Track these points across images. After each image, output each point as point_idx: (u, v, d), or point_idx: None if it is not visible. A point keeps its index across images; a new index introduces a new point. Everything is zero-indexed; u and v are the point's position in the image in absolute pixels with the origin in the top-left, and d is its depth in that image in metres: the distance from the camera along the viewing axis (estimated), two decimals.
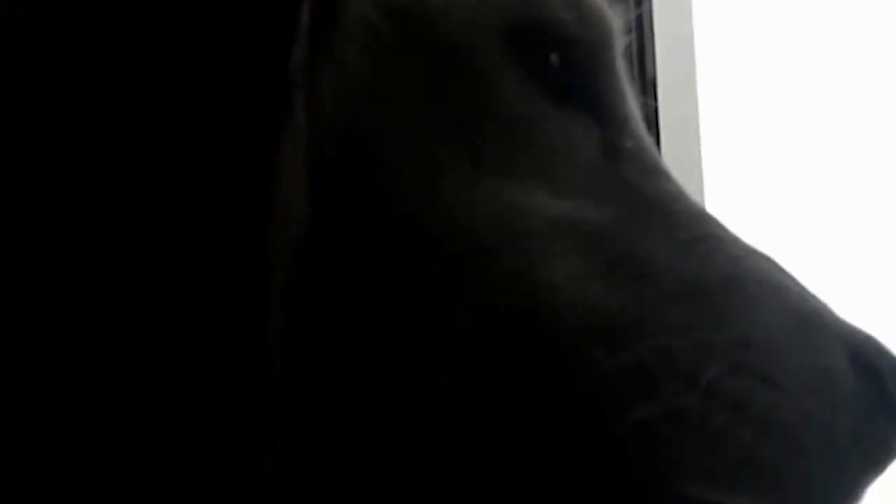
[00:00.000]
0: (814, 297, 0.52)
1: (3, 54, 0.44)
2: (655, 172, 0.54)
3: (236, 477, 0.44)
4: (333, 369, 0.47)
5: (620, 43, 0.58)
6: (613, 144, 0.54)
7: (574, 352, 0.47)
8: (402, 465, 0.47)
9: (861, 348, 0.50)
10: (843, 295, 0.78)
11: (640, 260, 0.49)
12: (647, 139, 0.57)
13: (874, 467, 0.50)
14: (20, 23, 0.44)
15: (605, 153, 0.54)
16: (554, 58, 0.53)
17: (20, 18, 0.44)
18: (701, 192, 1.46)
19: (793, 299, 0.51)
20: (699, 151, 1.52)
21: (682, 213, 0.52)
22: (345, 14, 0.50)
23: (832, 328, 0.50)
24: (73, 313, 0.43)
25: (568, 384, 0.46)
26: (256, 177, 0.44)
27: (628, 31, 0.60)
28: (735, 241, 0.53)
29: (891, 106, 1.74)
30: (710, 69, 1.58)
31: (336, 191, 0.47)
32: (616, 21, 0.58)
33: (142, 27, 0.44)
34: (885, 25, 1.74)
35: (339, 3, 0.50)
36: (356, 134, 0.48)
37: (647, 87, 1.42)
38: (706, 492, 0.47)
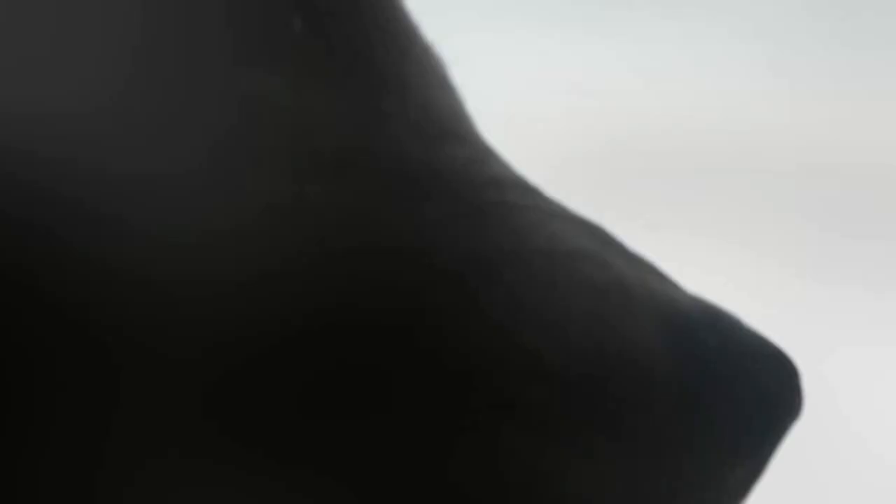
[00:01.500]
0: (638, 267, 0.45)
1: None
2: (441, 137, 0.48)
3: None
4: None
5: None
6: (380, 112, 0.48)
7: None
8: None
9: (687, 322, 0.43)
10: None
11: (368, 238, 0.44)
12: (445, 97, 0.50)
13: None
14: None
15: (362, 124, 0.48)
16: (296, 22, 0.47)
17: None
18: None
19: (588, 271, 0.44)
20: None
21: (463, 182, 0.46)
22: None
23: (643, 300, 0.44)
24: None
25: None
26: None
27: None
28: (536, 209, 0.47)
29: None
30: None
31: None
32: None
33: None
34: None
35: None
36: None
37: None
38: None
